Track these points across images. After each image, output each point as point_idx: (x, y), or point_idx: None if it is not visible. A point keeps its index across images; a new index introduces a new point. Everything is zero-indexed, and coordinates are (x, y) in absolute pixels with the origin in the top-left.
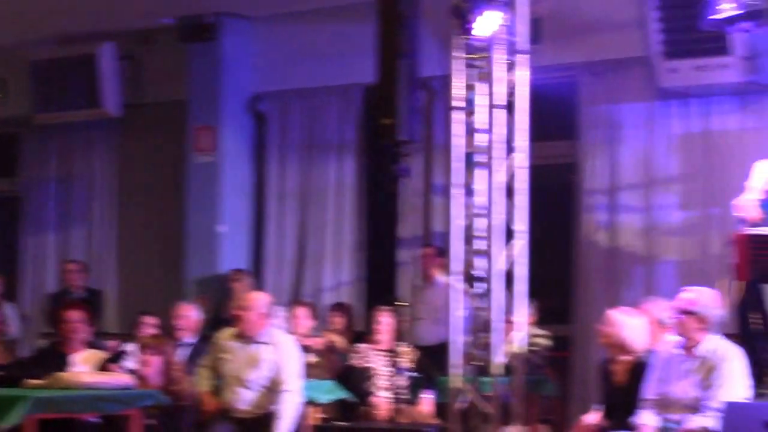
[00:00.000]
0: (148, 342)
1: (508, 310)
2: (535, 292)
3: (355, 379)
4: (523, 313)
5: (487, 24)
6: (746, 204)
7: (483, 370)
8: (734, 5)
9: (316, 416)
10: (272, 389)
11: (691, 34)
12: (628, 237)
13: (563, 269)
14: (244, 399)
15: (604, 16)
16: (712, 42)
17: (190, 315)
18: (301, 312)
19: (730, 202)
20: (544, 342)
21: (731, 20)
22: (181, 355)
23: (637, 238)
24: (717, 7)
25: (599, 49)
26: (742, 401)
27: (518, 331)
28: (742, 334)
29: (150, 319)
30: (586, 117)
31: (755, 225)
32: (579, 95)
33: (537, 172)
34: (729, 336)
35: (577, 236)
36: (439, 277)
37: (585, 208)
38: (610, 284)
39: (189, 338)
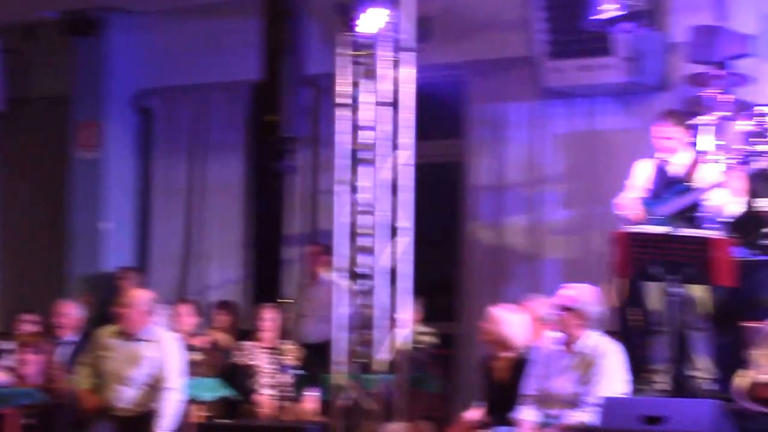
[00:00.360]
0: (27, 340)
1: (393, 307)
2: (421, 290)
3: (239, 377)
4: (407, 310)
5: (372, 21)
6: (627, 203)
7: (366, 368)
8: (616, 6)
9: (199, 414)
10: (154, 387)
11: (574, 34)
12: (513, 235)
13: (449, 267)
14: (125, 397)
15: (490, 16)
16: (595, 43)
17: (71, 313)
18: (185, 309)
19: (612, 201)
20: (428, 339)
21: (613, 21)
22: (62, 353)
23: (521, 237)
24: (599, 8)
25: (485, 48)
26: (620, 396)
27: (402, 329)
28: (623, 330)
29: (30, 317)
30: (472, 116)
31: (636, 223)
32: (465, 94)
33: (423, 170)
34: (610, 332)
35: (463, 234)
36: (325, 274)
37: (470, 206)
38: (495, 282)
39: (70, 336)
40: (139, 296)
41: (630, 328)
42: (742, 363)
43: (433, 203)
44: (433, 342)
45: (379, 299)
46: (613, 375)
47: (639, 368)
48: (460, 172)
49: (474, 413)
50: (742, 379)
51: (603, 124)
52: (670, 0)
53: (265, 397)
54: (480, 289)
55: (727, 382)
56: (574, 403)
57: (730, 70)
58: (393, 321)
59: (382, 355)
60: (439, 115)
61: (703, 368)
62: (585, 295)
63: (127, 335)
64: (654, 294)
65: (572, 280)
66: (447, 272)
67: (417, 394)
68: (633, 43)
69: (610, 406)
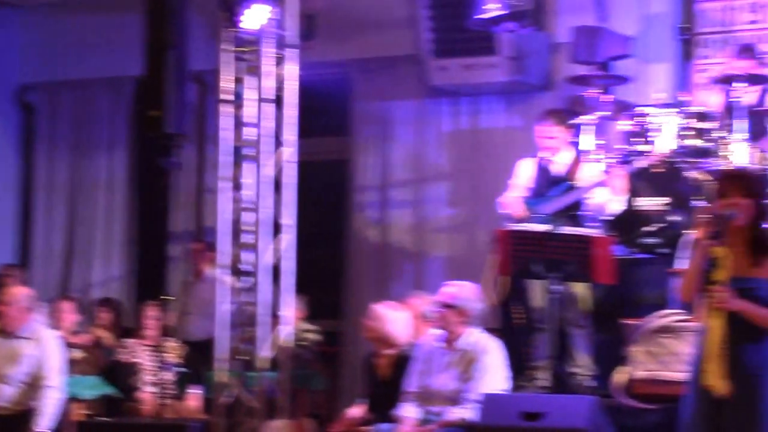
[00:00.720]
0: None
1: (276, 304)
2: (307, 287)
3: (121, 375)
4: (290, 307)
5: (255, 17)
6: (510, 201)
7: (249, 365)
8: (499, 6)
9: (79, 412)
10: (33, 385)
11: (460, 33)
12: (398, 233)
13: (335, 265)
14: (3, 395)
15: (376, 14)
16: (480, 42)
17: None
18: (67, 307)
19: (496, 200)
20: (313, 337)
21: (497, 20)
22: None
23: (407, 234)
24: (483, 8)
25: (372, 46)
26: (500, 393)
27: (285, 326)
28: (505, 328)
29: None
30: (358, 114)
31: (519, 221)
32: (351, 92)
33: (310, 168)
34: (491, 330)
35: (349, 232)
36: (209, 272)
37: (357, 204)
38: (380, 279)
39: None
40: (19, 293)
41: (512, 326)
42: (621, 360)
43: (320, 201)
44: (318, 339)
45: (263, 296)
46: (494, 372)
47: (521, 365)
48: (346, 169)
49: (357, 410)
50: (620, 376)
51: (488, 123)
52: (553, 1)
53: (147, 394)
54: (365, 286)
55: (606, 379)
56: (455, 399)
57: (612, 71)
58: (276, 318)
59: (265, 352)
60: (326, 113)
61: (583, 365)
62: (466, 292)
63: (7, 333)
64: (536, 291)
65: (457, 277)
66: (333, 270)
67: (301, 392)
68: (517, 42)
69: (490, 402)
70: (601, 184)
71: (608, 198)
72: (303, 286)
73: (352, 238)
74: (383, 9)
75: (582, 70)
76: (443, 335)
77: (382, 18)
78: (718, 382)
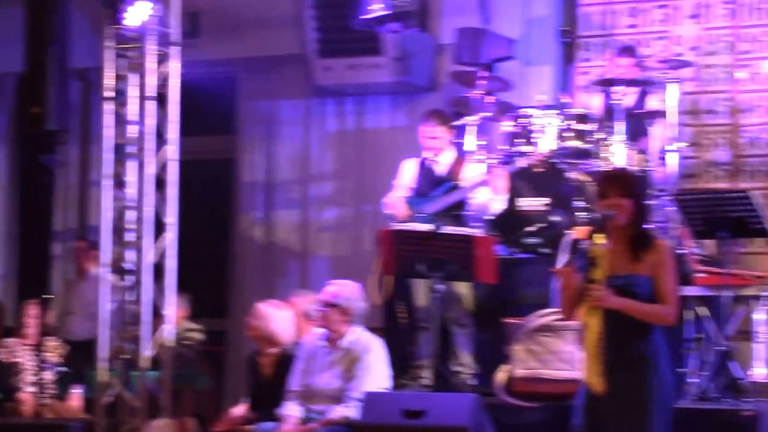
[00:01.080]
0: None
1: (159, 303)
2: (192, 286)
3: (1, 375)
4: (173, 306)
5: (138, 14)
6: (394, 201)
7: (132, 364)
8: (383, 6)
9: None
10: None
11: (345, 33)
12: (283, 232)
13: (221, 264)
14: None
15: (262, 13)
16: (365, 42)
17: None
18: None
19: (381, 199)
20: (197, 336)
21: (381, 20)
22: None
23: (292, 234)
24: (368, 8)
25: (258, 45)
26: (382, 391)
27: (168, 325)
28: (389, 326)
29: None
30: (243, 112)
31: (402, 221)
32: (237, 91)
33: (195, 167)
34: (375, 329)
35: (234, 231)
36: (93, 270)
37: (242, 203)
38: (265, 279)
39: None
40: None
41: (395, 324)
42: (503, 358)
43: (205, 200)
44: (202, 338)
45: (145, 295)
46: (376, 370)
47: (404, 364)
48: (231, 168)
49: (239, 409)
50: (502, 374)
51: (373, 123)
52: (438, 2)
53: (28, 395)
54: (250, 285)
55: (488, 377)
56: (337, 398)
57: (495, 73)
58: (159, 317)
59: (147, 351)
60: (211, 112)
61: (465, 364)
62: (349, 291)
63: None
64: (419, 290)
65: (342, 277)
66: (218, 269)
67: (184, 391)
68: (402, 43)
69: (372, 400)
70: (482, 183)
71: (490, 197)
72: (188, 286)
73: (238, 237)
74: (269, 8)
75: (465, 71)
76: (326, 334)
77: (268, 17)
78: (595, 380)
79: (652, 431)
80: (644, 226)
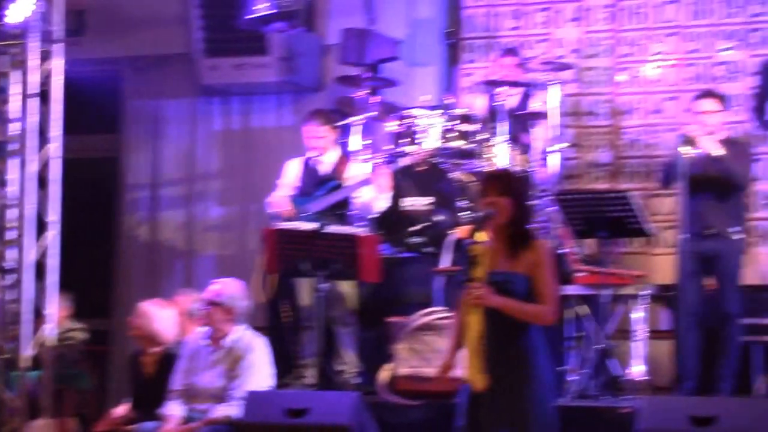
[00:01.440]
0: None
1: (40, 302)
2: (75, 285)
3: None
4: (54, 305)
5: (20, 11)
6: (278, 200)
7: (12, 364)
8: (268, 5)
9: None
10: None
11: (231, 32)
12: (169, 231)
13: (105, 263)
14: None
15: (148, 12)
16: (251, 41)
17: None
18: None
19: (266, 199)
20: (79, 335)
21: (266, 20)
22: None
23: (178, 233)
24: (253, 7)
25: (143, 44)
26: (264, 390)
27: (49, 324)
28: (273, 325)
29: None
30: (129, 111)
31: (286, 220)
32: (123, 89)
33: (80, 165)
34: (259, 328)
35: (119, 230)
36: None
37: (127, 202)
38: (150, 278)
39: None
40: None
41: (279, 323)
42: (386, 357)
43: (90, 198)
44: (85, 338)
45: (27, 294)
46: (259, 369)
47: (288, 363)
48: (116, 167)
49: (121, 409)
50: (385, 373)
51: (259, 122)
52: (324, 2)
53: None
54: (135, 284)
55: (372, 376)
56: (220, 397)
57: (380, 73)
58: (40, 316)
59: (28, 351)
60: (96, 110)
61: (349, 362)
62: (232, 289)
63: None
64: (303, 290)
65: (228, 276)
66: (103, 268)
67: (66, 391)
68: (288, 43)
69: (254, 399)
70: (366, 182)
71: (373, 196)
72: (71, 285)
73: (122, 236)
74: (155, 7)
75: (351, 71)
76: (209, 333)
77: (154, 16)
78: (476, 377)
79: (531, 428)
80: (524, 225)
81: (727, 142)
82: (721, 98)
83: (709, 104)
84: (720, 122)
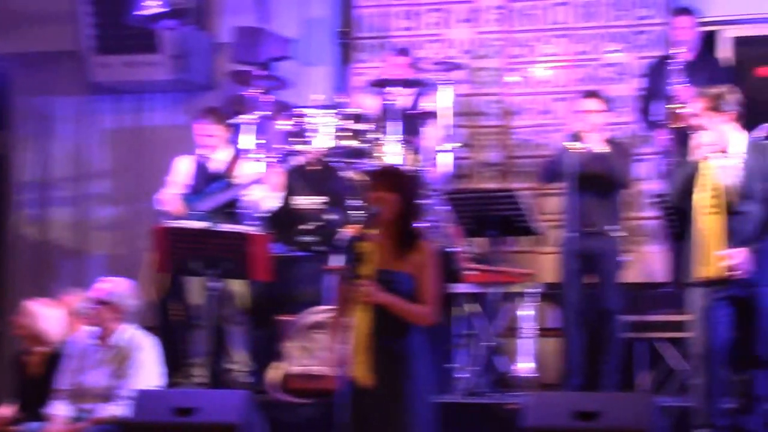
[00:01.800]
0: None
1: None
2: None
3: None
4: None
5: None
6: (168, 198)
7: None
8: (159, 3)
9: None
10: None
11: (121, 30)
12: (58, 230)
13: None
14: None
15: (38, 8)
16: (142, 39)
17: None
18: None
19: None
20: None
21: (156, 17)
22: None
23: (67, 232)
24: (143, 4)
25: (33, 40)
26: (153, 389)
27: None
28: (163, 324)
29: None
30: (17, 109)
31: (177, 219)
32: (11, 86)
33: None
34: (149, 327)
35: (7, 229)
36: None
37: (16, 201)
38: (40, 278)
39: None
40: None
41: (169, 322)
42: (277, 355)
43: None
44: None
45: None
46: (148, 368)
47: (178, 362)
48: (4, 165)
49: (6, 410)
50: (275, 371)
51: (150, 121)
52: (216, 0)
53: None
54: (24, 284)
55: (263, 375)
56: (108, 396)
57: (272, 72)
58: None
59: None
60: None
61: (240, 361)
62: (120, 288)
63: None
64: (194, 288)
65: (118, 275)
66: None
67: None
68: (179, 41)
69: (143, 398)
70: (257, 181)
71: (264, 195)
72: None
73: (10, 235)
74: (44, 3)
75: (243, 69)
76: (97, 332)
77: (43, 12)
78: (364, 374)
79: (411, 426)
80: (411, 224)
81: (610, 142)
82: (604, 99)
83: (592, 104)
84: (603, 122)
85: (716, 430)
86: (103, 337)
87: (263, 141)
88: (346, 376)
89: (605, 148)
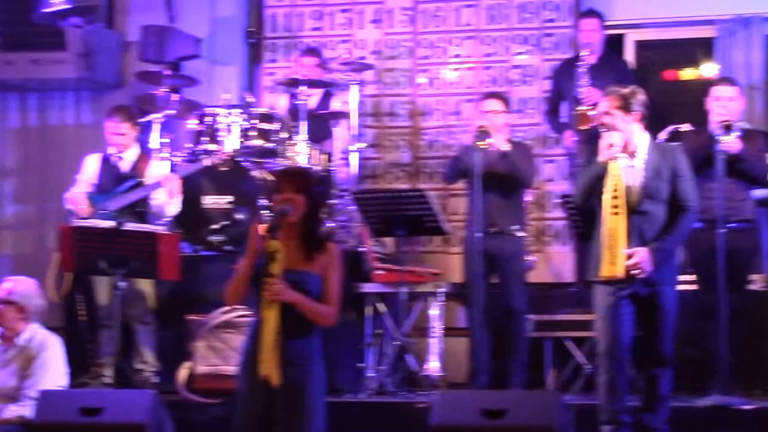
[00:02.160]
0: None
1: None
2: None
3: None
4: None
5: None
6: (75, 197)
7: None
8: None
9: None
10: None
11: (27, 27)
12: None
13: None
14: None
15: None
16: (48, 37)
17: None
18: None
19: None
20: None
21: (62, 14)
22: None
23: None
24: (49, 1)
25: None
26: (58, 389)
27: None
28: (69, 324)
29: None
30: None
31: (84, 218)
32: None
33: None
34: (55, 327)
35: None
36: None
37: None
38: None
39: None
40: None
41: (77, 322)
42: (185, 355)
43: None
44: None
45: None
46: (53, 368)
47: (85, 362)
48: None
49: None
50: (183, 371)
51: (57, 119)
52: None
53: None
54: None
55: (171, 375)
56: (13, 397)
57: (180, 71)
58: None
59: None
60: None
61: (147, 361)
62: (25, 288)
63: None
64: (101, 288)
65: (24, 274)
66: None
67: None
68: (87, 39)
69: (47, 399)
70: (167, 181)
71: (165, 200)
72: None
73: None
74: None
75: (151, 68)
76: (1, 332)
77: None
78: (272, 372)
79: (312, 425)
80: (317, 223)
81: (512, 142)
82: (505, 100)
83: (493, 104)
84: (504, 122)
85: (621, 427)
86: (8, 336)
87: (171, 140)
88: (251, 375)
89: (508, 146)
